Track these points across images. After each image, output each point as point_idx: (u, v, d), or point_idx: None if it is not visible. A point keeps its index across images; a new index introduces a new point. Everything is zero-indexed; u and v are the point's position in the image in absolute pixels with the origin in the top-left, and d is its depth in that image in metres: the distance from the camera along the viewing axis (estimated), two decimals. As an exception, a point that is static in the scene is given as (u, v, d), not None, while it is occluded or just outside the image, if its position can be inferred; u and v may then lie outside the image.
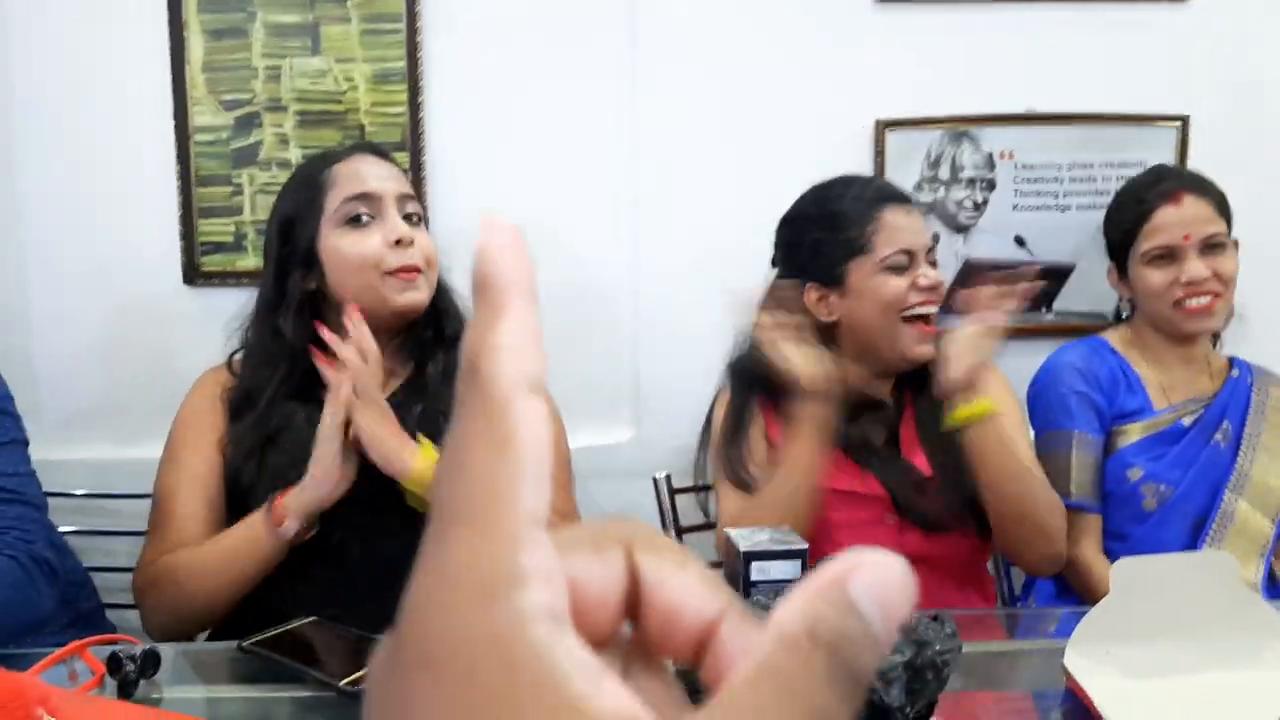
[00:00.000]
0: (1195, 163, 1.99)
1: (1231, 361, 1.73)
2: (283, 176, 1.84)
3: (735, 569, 1.04)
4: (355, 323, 1.29)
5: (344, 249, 1.35)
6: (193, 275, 1.89)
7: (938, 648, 0.83)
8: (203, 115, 1.85)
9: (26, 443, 1.33)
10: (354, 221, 1.35)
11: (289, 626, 1.15)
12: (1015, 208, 1.99)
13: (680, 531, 1.71)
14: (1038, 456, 1.57)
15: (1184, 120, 1.98)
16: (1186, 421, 1.65)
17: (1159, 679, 1.04)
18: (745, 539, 1.04)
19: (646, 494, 1.75)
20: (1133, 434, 1.65)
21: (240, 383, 1.39)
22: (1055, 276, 2.02)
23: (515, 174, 1.90)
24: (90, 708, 0.93)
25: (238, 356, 1.42)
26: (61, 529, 1.49)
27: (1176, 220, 1.62)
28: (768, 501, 1.38)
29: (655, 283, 1.93)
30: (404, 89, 1.85)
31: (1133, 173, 2.00)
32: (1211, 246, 1.61)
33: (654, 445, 1.89)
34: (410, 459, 1.25)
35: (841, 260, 1.47)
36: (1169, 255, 1.62)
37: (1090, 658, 1.07)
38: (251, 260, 1.87)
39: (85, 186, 1.87)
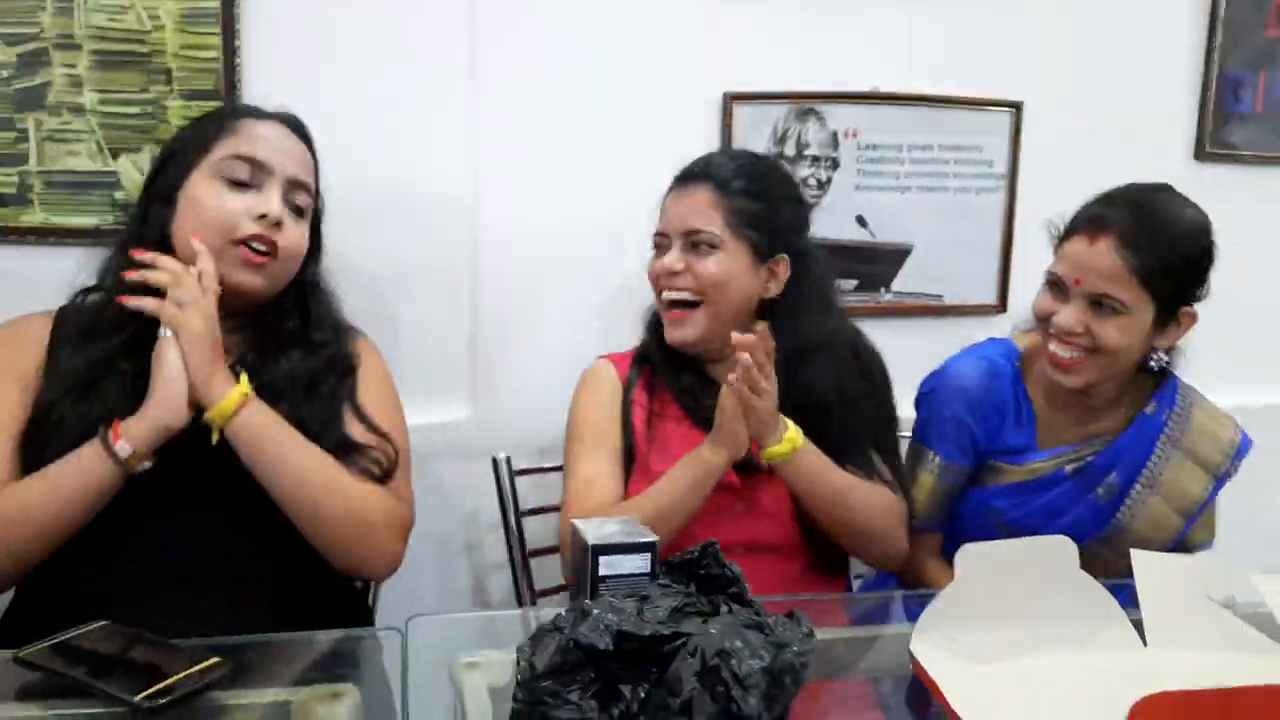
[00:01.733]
0: (1028, 147, 2.04)
1: (1156, 388, 1.50)
2: (77, 124, 1.65)
3: (582, 562, 0.97)
4: (200, 250, 1.24)
5: (204, 199, 1.28)
6: (-32, 231, 1.66)
7: (795, 649, 0.79)
8: (-21, 49, 1.62)
9: None
10: (230, 180, 1.28)
11: (75, 633, 1.02)
12: (857, 188, 1.99)
13: (520, 515, 1.63)
14: (908, 452, 1.54)
15: (1018, 106, 2.03)
16: (1068, 469, 1.48)
17: (1002, 663, 1.05)
18: (593, 530, 0.97)
19: (486, 475, 1.66)
20: (1007, 476, 1.50)
21: (81, 316, 1.30)
22: (894, 258, 2.04)
23: (340, 132, 1.75)
24: None
25: (90, 299, 1.32)
26: None
27: (1079, 256, 1.39)
28: (649, 505, 1.31)
29: (499, 255, 1.82)
30: (218, 32, 1.67)
31: (969, 156, 2.05)
32: (1098, 304, 1.38)
33: (493, 425, 1.80)
34: (219, 391, 1.20)
35: None
36: (1059, 287, 1.42)
37: (936, 644, 1.06)
38: (38, 215, 1.66)
39: None
